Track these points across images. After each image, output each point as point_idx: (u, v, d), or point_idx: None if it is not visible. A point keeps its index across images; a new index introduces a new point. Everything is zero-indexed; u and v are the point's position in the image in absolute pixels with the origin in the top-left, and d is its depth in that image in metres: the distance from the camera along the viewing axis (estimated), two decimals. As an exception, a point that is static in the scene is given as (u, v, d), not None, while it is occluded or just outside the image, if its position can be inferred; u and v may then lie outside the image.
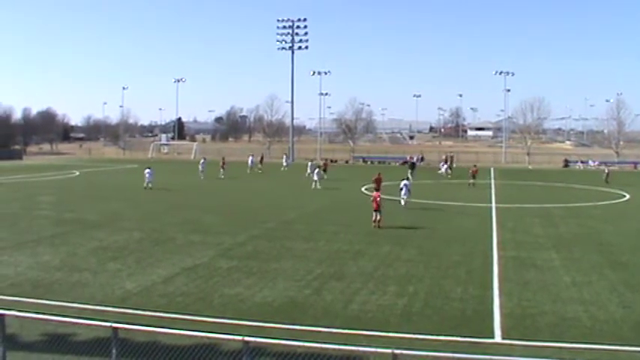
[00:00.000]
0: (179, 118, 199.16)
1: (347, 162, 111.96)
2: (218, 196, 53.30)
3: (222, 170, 72.43)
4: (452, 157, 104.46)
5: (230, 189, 59.28)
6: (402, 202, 44.37)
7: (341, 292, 21.44)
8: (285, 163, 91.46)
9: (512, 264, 26.34)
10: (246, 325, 17.34)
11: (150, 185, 55.56)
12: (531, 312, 19.56)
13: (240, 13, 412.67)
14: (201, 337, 13.85)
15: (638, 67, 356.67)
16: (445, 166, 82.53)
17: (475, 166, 70.17)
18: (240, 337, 11.59)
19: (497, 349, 16.25)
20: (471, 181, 63.34)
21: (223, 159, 76.60)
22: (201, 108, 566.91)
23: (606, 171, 72.95)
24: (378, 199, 35.24)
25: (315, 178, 59.67)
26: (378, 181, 48.85)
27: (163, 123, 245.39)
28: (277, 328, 17.16)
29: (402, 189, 44.94)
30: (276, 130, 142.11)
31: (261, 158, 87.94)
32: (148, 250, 28.49)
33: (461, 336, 17.02)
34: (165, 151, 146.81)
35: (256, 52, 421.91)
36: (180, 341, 14.33)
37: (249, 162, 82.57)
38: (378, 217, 34.92)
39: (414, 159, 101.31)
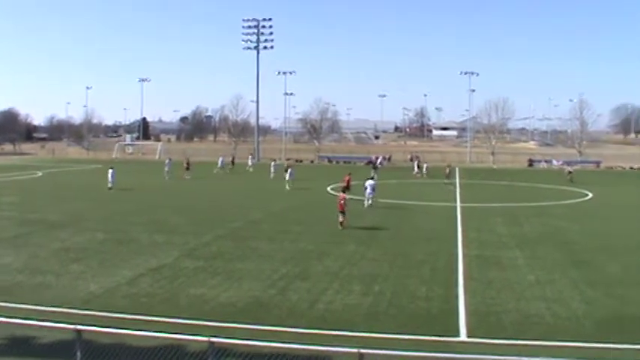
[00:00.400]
0: (144, 118, 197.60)
1: (312, 162, 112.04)
2: (183, 196, 52.91)
3: (186, 171, 71.94)
4: (418, 157, 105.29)
5: (195, 189, 58.95)
6: (368, 202, 44.41)
7: (306, 292, 21.45)
8: (250, 163, 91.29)
9: (476, 263, 26.55)
10: (212, 326, 17.26)
11: (110, 185, 55.03)
12: (495, 310, 19.73)
13: (205, 13, 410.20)
14: (167, 338, 13.75)
15: (601, 68, 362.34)
16: (424, 165, 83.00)
17: (449, 165, 71.09)
18: (205, 338, 11.53)
19: (462, 347, 16.41)
20: (446, 180, 63.88)
21: (187, 160, 76.09)
22: (167, 108, 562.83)
23: (569, 170, 73.69)
24: (342, 201, 34.99)
25: (288, 177, 59.05)
26: (347, 182, 49.18)
27: (128, 123, 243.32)
28: (242, 329, 17.11)
29: (366, 188, 44.98)
30: (241, 130, 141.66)
31: (232, 159, 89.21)
32: (112, 250, 28.25)
33: (426, 335, 17.10)
34: (130, 151, 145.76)
35: (222, 52, 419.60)
36: (145, 342, 14.22)
37: (219, 162, 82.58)
38: (342, 219, 34.59)
39: (379, 159, 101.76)
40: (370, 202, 44.39)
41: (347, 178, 51.18)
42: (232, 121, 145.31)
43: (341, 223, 34.49)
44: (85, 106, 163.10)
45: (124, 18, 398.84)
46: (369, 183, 45.62)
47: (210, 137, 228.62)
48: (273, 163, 74.07)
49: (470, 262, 26.69)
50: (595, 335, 17.38)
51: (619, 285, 23.07)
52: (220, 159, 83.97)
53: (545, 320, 18.83)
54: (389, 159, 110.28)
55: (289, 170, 60.16)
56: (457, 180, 71.32)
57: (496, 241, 32.14)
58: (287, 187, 57.89)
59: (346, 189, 45.79)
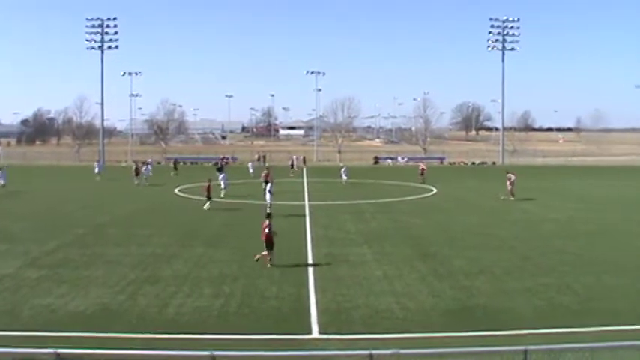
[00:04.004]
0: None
1: (159, 163, 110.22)
2: (26, 202, 50.85)
3: (136, 177, 65.70)
4: (264, 157, 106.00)
5: (40, 195, 56.75)
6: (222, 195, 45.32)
7: (156, 297, 21.22)
8: (97, 170, 75.70)
9: (326, 260, 27.04)
10: (59, 336, 16.77)
11: None
12: (346, 306, 20.20)
13: (45, 11, 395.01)
14: (10, 353, 13.27)
15: (443, 67, 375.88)
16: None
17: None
18: (52, 350, 11.23)
19: (314, 344, 16.75)
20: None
21: (136, 165, 70.48)
22: (6, 110, 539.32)
23: (423, 168, 74.99)
24: (267, 229, 26.16)
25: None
26: (267, 177, 51.60)
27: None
28: (92, 337, 16.74)
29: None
30: (86, 133, 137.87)
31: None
32: (-52, 262, 26.82)
33: (278, 333, 17.32)
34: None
35: (64, 52, 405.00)
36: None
37: (96, 168, 75.63)
38: (265, 253, 25.92)
39: (228, 160, 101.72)
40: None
41: (267, 173, 54.46)
42: (76, 124, 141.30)
43: (264, 256, 25.95)
44: None
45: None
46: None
47: (54, 140, 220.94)
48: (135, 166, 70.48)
49: (319, 259, 27.16)
50: (443, 325, 18.20)
51: (464, 276, 24.14)
52: (96, 164, 78.18)
53: (395, 314, 19.47)
54: (233, 159, 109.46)
55: (145, 167, 57.33)
56: (305, 179, 72.21)
57: (344, 238, 32.81)
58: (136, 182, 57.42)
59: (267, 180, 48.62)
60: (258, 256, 26.00)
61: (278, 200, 45.29)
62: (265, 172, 56.08)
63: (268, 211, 29.35)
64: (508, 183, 49.94)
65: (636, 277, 24.17)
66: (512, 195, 49.03)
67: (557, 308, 20.11)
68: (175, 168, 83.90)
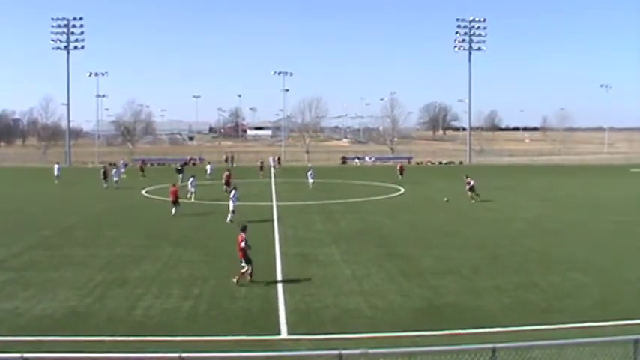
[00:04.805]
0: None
1: (127, 165, 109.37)
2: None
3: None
4: (232, 157, 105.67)
5: (4, 197, 56.03)
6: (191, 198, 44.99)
7: (124, 299, 21.09)
8: (56, 173, 70.26)
9: (294, 260, 27.07)
10: (27, 341, 16.63)
11: None
12: (315, 306, 20.24)
13: (9, 10, 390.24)
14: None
15: (410, 67, 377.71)
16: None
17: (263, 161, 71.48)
18: (18, 355, 11.09)
19: (283, 344, 16.78)
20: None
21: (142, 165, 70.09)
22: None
23: (400, 165, 76.06)
24: (243, 243, 23.54)
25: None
26: (228, 179, 52.68)
27: None
28: (59, 341, 16.58)
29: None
30: (52, 134, 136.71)
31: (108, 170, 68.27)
32: None
33: (248, 334, 17.32)
34: None
35: (29, 52, 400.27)
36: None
37: (56, 171, 70.28)
38: (245, 269, 23.34)
39: (196, 160, 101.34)
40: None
41: (228, 174, 55.13)
42: (42, 125, 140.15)
43: (244, 274, 23.34)
44: None
45: None
46: (190, 181, 46.69)
47: (19, 142, 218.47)
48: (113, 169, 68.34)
49: (288, 260, 27.17)
50: (412, 324, 18.33)
51: (432, 276, 24.32)
52: (56, 166, 71.74)
53: (364, 313, 19.55)
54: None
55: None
56: (272, 179, 72.14)
57: (313, 238, 32.84)
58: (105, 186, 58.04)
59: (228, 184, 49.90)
60: (237, 277, 23.11)
61: (246, 201, 45.09)
62: (227, 173, 55.79)
63: (243, 224, 25.47)
64: (467, 187, 49.60)
65: (601, 275, 24.48)
66: (472, 198, 48.52)
67: (525, 306, 20.31)
68: (142, 170, 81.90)
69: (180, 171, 66.17)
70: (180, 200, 41.94)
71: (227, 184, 52.77)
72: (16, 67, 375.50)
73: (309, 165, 51.02)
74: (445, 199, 49.34)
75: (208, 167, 78.52)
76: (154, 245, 30.50)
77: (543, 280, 23.55)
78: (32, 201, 52.16)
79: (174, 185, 43.14)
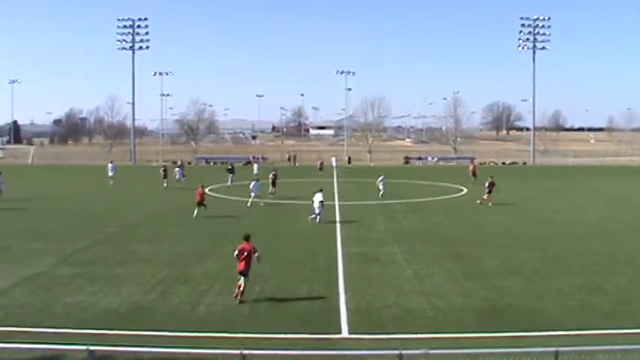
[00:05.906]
0: (15, 121, 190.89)
1: (190, 163, 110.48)
2: (59, 201, 51.14)
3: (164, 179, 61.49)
4: (295, 156, 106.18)
5: (71, 195, 57.16)
6: (249, 203, 44.62)
7: (187, 295, 21.33)
8: (110, 174, 67.16)
9: (356, 260, 27.02)
10: (91, 334, 16.94)
11: None
12: (376, 306, 20.18)
13: (77, 11, 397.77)
14: (43, 349, 13.40)
15: (474, 66, 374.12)
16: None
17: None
18: (84, 347, 11.32)
19: (344, 343, 16.73)
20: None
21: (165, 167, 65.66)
22: (39, 110, 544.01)
23: (471, 167, 73.52)
24: (246, 252, 20.86)
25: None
26: (274, 178, 52.44)
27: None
28: (123, 335, 16.88)
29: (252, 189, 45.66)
30: (117, 132, 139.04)
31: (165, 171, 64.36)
32: (-17, 260, 27.11)
33: (308, 333, 17.34)
34: (0, 155, 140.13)
35: (96, 52, 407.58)
36: (19, 355, 13.77)
37: (110, 171, 67.76)
38: (244, 285, 20.71)
39: (259, 159, 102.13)
40: (250, 203, 44.64)
41: (274, 173, 54.67)
42: (108, 123, 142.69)
43: (243, 290, 20.66)
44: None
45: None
46: (253, 183, 46.19)
47: (85, 140, 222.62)
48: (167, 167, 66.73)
49: (350, 259, 27.14)
50: (474, 326, 18.11)
51: (495, 277, 24.06)
52: (110, 165, 69.14)
53: (426, 314, 19.44)
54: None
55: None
56: (335, 179, 72.16)
57: (375, 237, 32.76)
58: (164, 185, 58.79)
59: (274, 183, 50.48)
60: (238, 295, 20.51)
61: (309, 200, 44.98)
62: (273, 172, 55.10)
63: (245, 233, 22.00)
64: (486, 185, 48.06)
65: (670, 279, 23.90)
66: (488, 200, 46.98)
67: (589, 309, 19.95)
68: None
69: (231, 171, 65.35)
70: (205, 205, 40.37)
71: (273, 184, 52.59)
72: (83, 67, 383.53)
73: (381, 175, 49.45)
74: (478, 202, 47.89)
75: (255, 167, 78.47)
76: (217, 243, 30.72)
77: (608, 282, 23.11)
78: (96, 199, 52.94)
79: (201, 186, 42.43)
